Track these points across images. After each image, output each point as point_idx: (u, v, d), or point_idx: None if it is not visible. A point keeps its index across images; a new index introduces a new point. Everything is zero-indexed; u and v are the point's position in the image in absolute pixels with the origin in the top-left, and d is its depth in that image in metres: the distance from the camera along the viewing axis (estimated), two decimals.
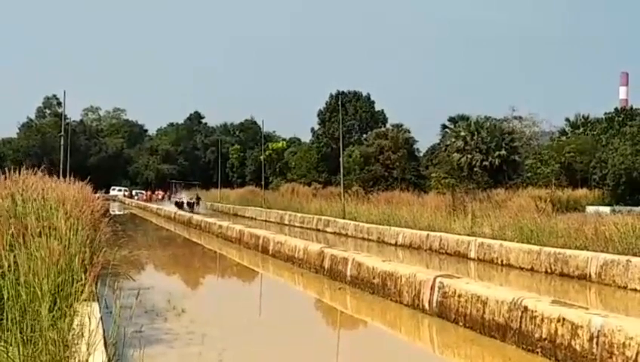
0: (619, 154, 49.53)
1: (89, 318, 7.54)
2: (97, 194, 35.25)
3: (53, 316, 7.44)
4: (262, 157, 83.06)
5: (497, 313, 11.31)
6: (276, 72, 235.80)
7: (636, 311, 14.84)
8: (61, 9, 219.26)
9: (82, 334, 7.07)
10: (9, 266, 8.36)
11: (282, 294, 18.62)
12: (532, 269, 20.37)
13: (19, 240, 9.40)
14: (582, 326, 9.49)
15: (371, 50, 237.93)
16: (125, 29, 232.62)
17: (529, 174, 61.15)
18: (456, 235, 25.67)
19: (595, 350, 9.21)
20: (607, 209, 37.69)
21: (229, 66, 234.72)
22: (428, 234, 27.25)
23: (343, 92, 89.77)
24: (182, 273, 23.77)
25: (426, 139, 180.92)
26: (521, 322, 10.70)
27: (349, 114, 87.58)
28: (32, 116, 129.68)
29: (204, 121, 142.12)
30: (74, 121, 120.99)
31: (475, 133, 65.89)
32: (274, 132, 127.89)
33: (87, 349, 6.53)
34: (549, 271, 19.69)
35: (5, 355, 6.37)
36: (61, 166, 45.67)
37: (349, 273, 17.50)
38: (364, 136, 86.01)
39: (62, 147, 52.58)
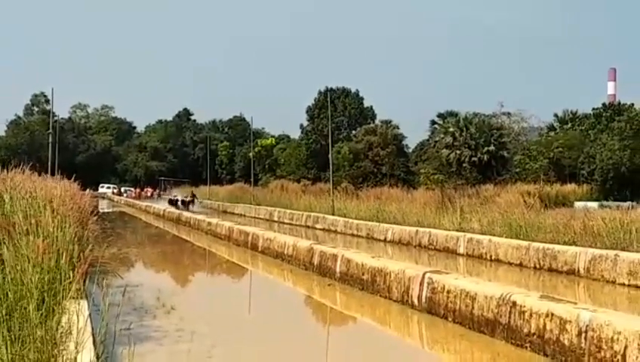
0: (607, 149, 49.62)
1: (77, 316, 7.51)
2: (86, 192, 35.20)
3: (42, 314, 7.41)
4: (251, 153, 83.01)
5: (486, 308, 11.33)
6: (265, 69, 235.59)
7: (624, 306, 14.89)
8: (49, 6, 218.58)
9: (70, 332, 7.04)
10: None
11: (272, 291, 18.61)
12: (521, 264, 20.42)
13: (6, 237, 9.36)
14: (570, 321, 9.52)
15: (360, 46, 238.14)
16: (114, 26, 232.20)
17: (517, 170, 61.18)
18: (445, 231, 25.72)
19: (583, 344, 9.24)
20: (595, 204, 37.73)
21: (219, 63, 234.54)
22: (417, 230, 27.28)
23: (331, 88, 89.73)
24: (171, 270, 23.73)
25: (414, 135, 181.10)
26: (509, 317, 10.73)
27: (338, 110, 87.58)
28: (20, 114, 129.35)
29: (192, 117, 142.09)
30: (62, 118, 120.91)
31: (464, 128, 65.92)
32: (263, 129, 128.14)
33: (76, 347, 6.50)
34: (537, 266, 19.74)
35: None
36: (49, 163, 45.51)
37: (338, 269, 17.51)
38: (353, 132, 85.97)
39: (50, 145, 52.43)
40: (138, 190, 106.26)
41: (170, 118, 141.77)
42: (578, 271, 18.15)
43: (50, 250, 9.04)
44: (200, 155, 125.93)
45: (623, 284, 16.60)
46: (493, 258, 21.84)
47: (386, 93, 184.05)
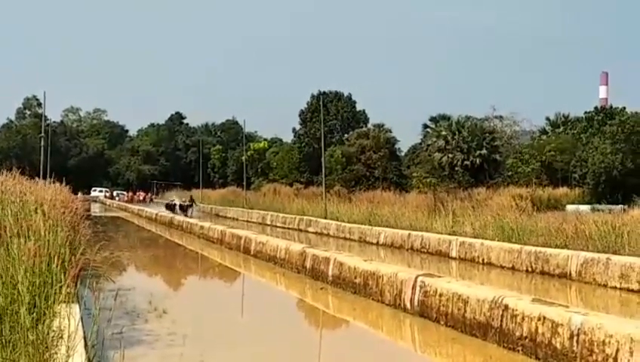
0: (599, 153, 49.76)
1: (69, 320, 7.49)
2: (78, 196, 35.16)
3: (33, 318, 7.39)
4: (243, 157, 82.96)
5: (478, 312, 11.34)
6: (258, 73, 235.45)
7: (616, 309, 14.92)
8: (42, 10, 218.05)
9: (62, 336, 7.03)
10: None
11: (264, 294, 18.60)
12: (513, 268, 20.44)
13: None
14: (562, 325, 9.53)
15: (352, 50, 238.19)
16: (106, 29, 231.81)
17: (510, 173, 61.30)
18: (438, 234, 25.75)
19: (575, 348, 9.25)
20: (587, 207, 37.86)
21: (211, 67, 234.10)
22: (409, 234, 27.30)
23: (324, 92, 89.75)
24: (163, 274, 23.70)
25: (407, 138, 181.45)
26: (502, 321, 10.73)
27: (331, 114, 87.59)
28: (12, 117, 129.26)
29: (185, 121, 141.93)
30: (54, 121, 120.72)
31: (456, 132, 66.09)
32: (255, 132, 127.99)
33: (67, 351, 6.49)
34: (529, 269, 19.77)
35: None
36: (41, 167, 45.41)
37: (330, 273, 17.50)
38: (346, 136, 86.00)
39: (42, 148, 52.30)
40: (130, 194, 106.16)
41: (162, 122, 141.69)
42: (570, 274, 18.18)
43: (41, 254, 9.02)
44: (192, 159, 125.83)
45: (615, 287, 16.64)
46: (485, 261, 21.86)
47: (379, 96, 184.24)
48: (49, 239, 10.43)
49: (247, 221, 51.02)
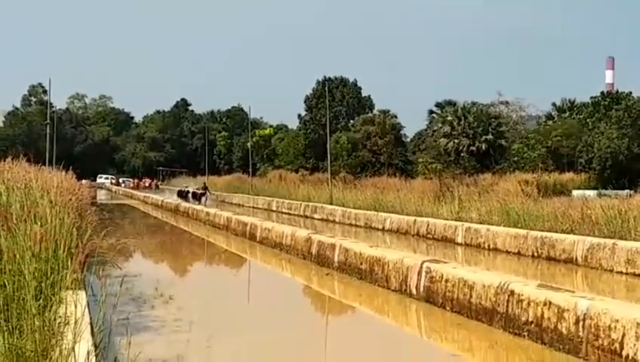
0: (605, 137, 49.64)
1: (75, 306, 7.50)
2: (84, 182, 35.18)
3: (39, 304, 7.41)
4: (249, 143, 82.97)
5: (484, 297, 11.34)
6: (263, 59, 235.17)
7: (622, 294, 14.90)
8: None
9: (68, 322, 7.04)
10: None
11: (270, 280, 18.62)
12: (519, 253, 20.43)
13: (3, 228, 9.35)
14: (568, 310, 9.52)
15: (358, 36, 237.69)
16: (112, 16, 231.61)
17: (516, 158, 61.23)
18: (444, 220, 25.73)
19: (581, 333, 9.25)
20: (593, 192, 37.80)
21: (216, 53, 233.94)
22: (415, 220, 27.29)
23: (329, 78, 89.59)
24: (169, 260, 23.74)
25: (413, 124, 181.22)
26: (507, 306, 10.73)
27: (336, 100, 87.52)
28: (18, 104, 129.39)
29: (190, 108, 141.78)
30: (60, 109, 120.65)
31: (462, 118, 66.00)
32: (261, 118, 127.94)
33: (74, 337, 6.50)
34: (535, 254, 19.75)
35: None
36: (47, 154, 45.43)
37: (336, 259, 17.51)
38: (351, 122, 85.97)
39: (47, 135, 52.29)
40: (136, 180, 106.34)
41: (168, 109, 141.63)
42: (576, 259, 18.16)
43: (47, 240, 9.03)
44: (198, 145, 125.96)
45: (621, 272, 16.62)
46: (491, 247, 21.85)
47: (384, 82, 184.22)
48: (55, 225, 10.44)
49: (253, 207, 51.03)
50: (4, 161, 20.44)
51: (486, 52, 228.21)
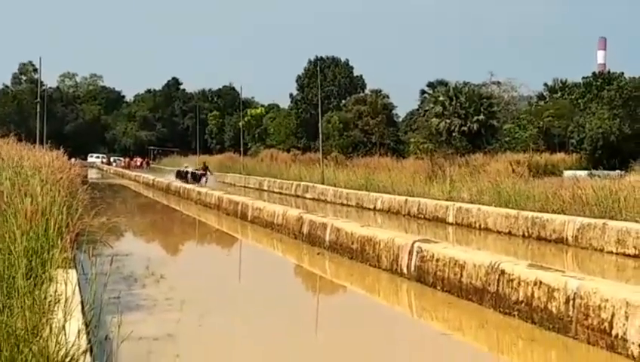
0: (596, 118, 49.69)
1: (66, 285, 7.50)
2: (75, 161, 35.11)
3: (30, 283, 7.40)
4: (240, 123, 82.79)
5: (475, 277, 11.37)
6: (255, 38, 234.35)
7: (612, 274, 14.96)
8: None
9: (59, 301, 7.03)
10: None
11: (261, 260, 18.64)
12: (510, 233, 20.48)
13: None
14: (558, 289, 9.55)
15: (350, 15, 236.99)
16: None
17: (507, 139, 61.34)
18: (435, 200, 25.76)
19: (571, 312, 9.28)
20: (584, 173, 37.83)
21: (208, 32, 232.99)
22: (406, 199, 27.31)
23: (321, 58, 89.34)
24: (161, 239, 23.74)
25: (404, 104, 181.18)
26: (498, 285, 10.76)
27: (328, 80, 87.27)
28: (8, 83, 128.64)
29: (182, 87, 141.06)
30: (50, 87, 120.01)
31: (454, 98, 65.89)
32: (252, 98, 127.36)
33: (64, 316, 6.49)
34: (526, 234, 19.80)
35: None
36: (37, 133, 45.27)
37: (327, 238, 17.52)
38: (343, 101, 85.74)
39: (38, 114, 52.08)
40: (127, 159, 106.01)
41: (159, 88, 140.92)
42: (566, 239, 18.21)
43: (38, 218, 9.01)
44: (189, 125, 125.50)
45: (611, 252, 16.67)
46: (482, 227, 21.89)
47: (376, 62, 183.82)
48: (46, 204, 10.41)
49: (245, 187, 51.00)
50: None
51: (478, 31, 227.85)
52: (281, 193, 42.96)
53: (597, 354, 8.75)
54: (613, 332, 8.61)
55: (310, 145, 79.74)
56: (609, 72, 66.21)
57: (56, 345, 5.61)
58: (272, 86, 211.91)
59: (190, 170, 52.25)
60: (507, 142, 60.34)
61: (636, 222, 16.91)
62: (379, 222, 25.49)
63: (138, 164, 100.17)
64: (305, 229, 19.22)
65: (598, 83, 60.30)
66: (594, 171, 37.46)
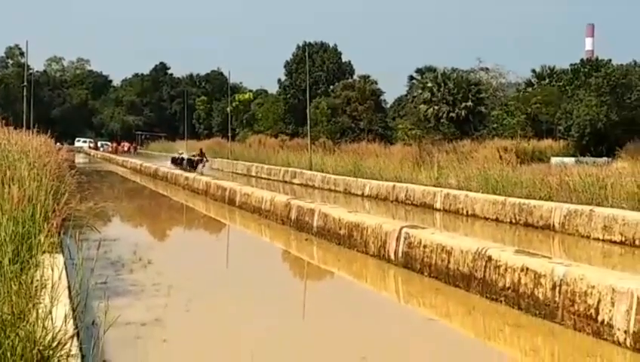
0: (584, 105, 49.75)
1: (52, 270, 7.48)
2: (63, 146, 34.98)
3: (16, 267, 7.37)
4: (228, 108, 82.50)
5: (462, 263, 11.39)
6: (243, 23, 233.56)
7: (598, 261, 15.02)
8: None
9: (45, 286, 7.02)
10: None
11: (249, 245, 18.64)
12: (497, 219, 20.54)
13: None
14: (545, 276, 9.59)
15: (339, 1, 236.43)
16: None
17: (495, 125, 61.33)
18: (422, 186, 25.79)
19: (557, 298, 9.32)
20: (571, 160, 37.95)
21: (195, 17, 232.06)
22: (394, 186, 27.34)
23: (309, 43, 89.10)
24: (148, 225, 23.70)
25: (393, 90, 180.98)
26: (485, 271, 10.79)
27: (316, 65, 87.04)
28: None
29: (169, 72, 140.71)
30: (37, 71, 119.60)
31: (442, 84, 65.92)
32: (240, 83, 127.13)
33: (51, 301, 6.48)
34: (513, 221, 19.86)
35: None
36: (24, 117, 45.01)
37: (315, 224, 17.53)
38: (331, 87, 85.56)
39: (25, 98, 51.77)
40: (115, 144, 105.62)
41: (146, 72, 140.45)
42: (553, 226, 18.28)
43: (25, 203, 8.97)
44: (177, 110, 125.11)
45: (598, 239, 16.74)
46: (469, 213, 21.95)
47: (365, 48, 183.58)
48: (33, 188, 10.37)
49: (233, 172, 50.92)
50: None
51: (466, 18, 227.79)
52: (269, 179, 42.94)
53: (583, 339, 8.79)
54: (599, 319, 8.65)
55: (298, 130, 79.61)
56: (597, 58, 66.20)
57: (42, 330, 5.60)
58: (260, 71, 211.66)
59: (186, 156, 50.00)
60: (495, 129, 60.35)
61: (623, 208, 17.01)
62: (366, 208, 25.53)
63: (125, 149, 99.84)
64: (293, 215, 19.21)
65: (586, 70, 60.28)
66: (581, 158, 37.62)
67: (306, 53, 64.30)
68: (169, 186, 37.21)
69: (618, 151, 40.11)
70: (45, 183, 11.56)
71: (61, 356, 5.50)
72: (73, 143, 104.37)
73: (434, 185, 25.52)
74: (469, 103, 64.15)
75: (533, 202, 19.55)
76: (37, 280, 7.16)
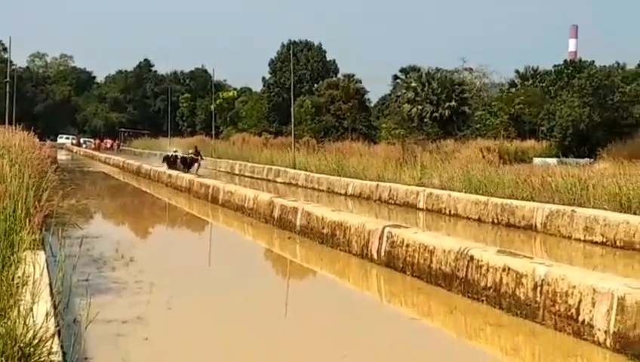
0: (567, 106, 49.97)
1: (34, 266, 7.45)
2: (45, 142, 34.83)
3: None
4: (212, 106, 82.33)
5: (444, 262, 11.43)
6: (227, 20, 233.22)
7: (580, 261, 15.10)
8: None
9: (27, 282, 6.99)
10: None
11: (232, 243, 18.61)
12: (479, 219, 20.60)
13: None
14: (526, 275, 9.63)
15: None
16: None
17: (478, 125, 61.53)
18: (406, 186, 25.84)
19: (538, 298, 9.37)
20: (554, 160, 38.11)
21: (179, 14, 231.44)
22: (377, 185, 27.38)
23: (294, 41, 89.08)
24: (130, 222, 23.63)
25: (377, 89, 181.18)
26: (467, 271, 10.83)
27: (301, 63, 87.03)
28: None
29: (153, 69, 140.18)
30: (20, 67, 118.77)
31: (426, 84, 66.09)
32: (225, 81, 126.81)
33: (32, 298, 6.46)
34: (495, 221, 19.93)
35: None
36: (7, 113, 44.80)
37: (298, 223, 17.53)
38: (316, 86, 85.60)
39: (7, 94, 51.51)
40: (98, 141, 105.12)
41: (130, 69, 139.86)
42: (535, 226, 18.36)
43: (6, 199, 8.93)
44: (161, 107, 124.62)
45: (579, 240, 16.83)
46: (452, 213, 22.01)
47: (349, 46, 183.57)
48: (15, 185, 10.32)
49: (216, 170, 50.83)
50: None
51: (450, 17, 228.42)
52: (252, 177, 42.90)
53: (564, 339, 8.84)
54: (580, 319, 8.71)
55: (282, 129, 79.56)
56: (580, 60, 66.51)
57: (23, 327, 5.58)
58: (244, 69, 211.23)
59: (179, 154, 44.25)
60: (478, 129, 60.54)
61: (604, 209, 17.09)
62: (350, 207, 25.55)
63: (108, 146, 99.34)
64: (276, 213, 19.21)
65: (569, 71, 60.57)
66: (563, 159, 37.75)
67: (291, 52, 64.32)
68: (152, 184, 37.10)
69: (600, 152, 40.32)
70: (27, 180, 11.50)
71: (42, 353, 5.48)
72: (56, 140, 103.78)
73: (417, 185, 25.57)
74: (453, 103, 64.36)
75: (515, 202, 19.64)
76: (18, 277, 7.13)
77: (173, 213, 26.49)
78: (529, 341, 9.25)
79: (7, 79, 54.57)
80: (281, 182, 37.79)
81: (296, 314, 10.83)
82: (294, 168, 38.86)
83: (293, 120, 49.45)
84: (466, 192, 22.48)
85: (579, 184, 19.41)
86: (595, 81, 49.41)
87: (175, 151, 45.34)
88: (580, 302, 8.72)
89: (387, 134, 58.27)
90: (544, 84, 63.23)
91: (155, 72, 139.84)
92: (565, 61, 67.29)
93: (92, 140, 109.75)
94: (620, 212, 16.75)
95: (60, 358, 5.71)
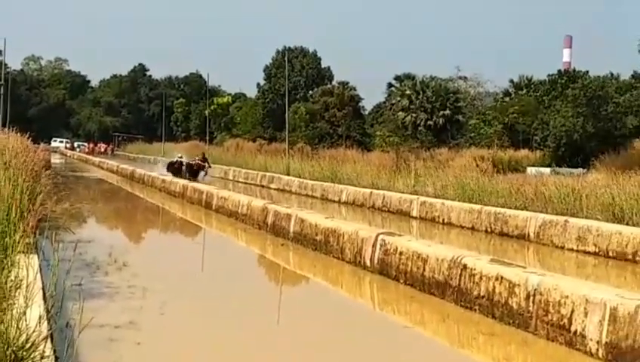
0: (560, 116, 50.05)
1: (27, 270, 7.44)
2: (39, 146, 34.76)
3: None
4: (207, 111, 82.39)
5: (437, 271, 11.44)
6: (222, 26, 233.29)
7: (572, 271, 15.14)
8: None
9: (20, 286, 6.98)
10: None
11: (225, 249, 18.60)
12: (473, 228, 20.64)
13: None
14: (519, 285, 9.64)
15: (318, 5, 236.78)
16: None
17: (472, 134, 61.57)
18: (399, 193, 25.87)
19: (531, 308, 9.38)
20: (547, 170, 38.19)
21: (174, 18, 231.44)
22: (371, 192, 27.41)
23: (289, 48, 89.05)
24: (124, 227, 23.60)
25: (371, 97, 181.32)
26: (460, 280, 10.84)
27: (296, 70, 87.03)
28: None
29: (148, 73, 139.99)
30: (14, 70, 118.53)
31: (421, 92, 66.10)
32: (219, 86, 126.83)
33: (25, 301, 6.45)
34: (489, 230, 19.96)
35: None
36: (0, 116, 44.76)
37: (292, 229, 17.53)
38: (310, 92, 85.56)
39: (2, 97, 51.49)
40: (91, 145, 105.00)
41: (125, 73, 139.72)
42: (528, 235, 18.40)
43: None
44: (155, 112, 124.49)
45: (572, 250, 16.87)
46: (445, 221, 22.04)
47: (344, 54, 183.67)
48: (8, 188, 10.30)
49: (210, 176, 50.75)
50: None
51: (445, 26, 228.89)
52: (246, 183, 42.90)
53: (556, 349, 8.85)
54: (572, 329, 8.72)
55: (276, 135, 79.52)
56: (574, 70, 66.69)
57: (16, 331, 5.57)
58: (239, 75, 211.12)
59: (185, 160, 40.27)
60: (472, 138, 60.59)
61: (597, 220, 17.13)
62: (343, 214, 25.57)
63: (102, 150, 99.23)
64: (269, 220, 19.21)
65: (563, 81, 60.70)
66: (557, 168, 37.87)
67: (286, 58, 64.30)
68: (145, 188, 37.04)
69: (593, 163, 40.39)
70: (21, 183, 11.49)
71: (35, 357, 5.48)
72: (50, 143, 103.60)
73: (411, 193, 25.59)
74: (447, 112, 64.39)
75: (508, 211, 19.67)
76: (11, 281, 7.12)
77: (166, 218, 26.47)
78: (521, 350, 9.27)
79: (2, 82, 54.56)
80: (274, 189, 37.80)
81: (288, 320, 10.82)
82: (288, 175, 38.88)
83: (287, 126, 49.52)
84: (459, 201, 22.52)
85: (572, 194, 19.45)
86: (589, 91, 49.52)
87: (180, 157, 41.57)
88: (572, 312, 8.74)
89: (381, 142, 58.23)
90: (538, 94, 63.33)
91: (150, 76, 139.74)
92: (559, 71, 67.47)
93: (86, 144, 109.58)
94: (613, 222, 16.79)
95: None
